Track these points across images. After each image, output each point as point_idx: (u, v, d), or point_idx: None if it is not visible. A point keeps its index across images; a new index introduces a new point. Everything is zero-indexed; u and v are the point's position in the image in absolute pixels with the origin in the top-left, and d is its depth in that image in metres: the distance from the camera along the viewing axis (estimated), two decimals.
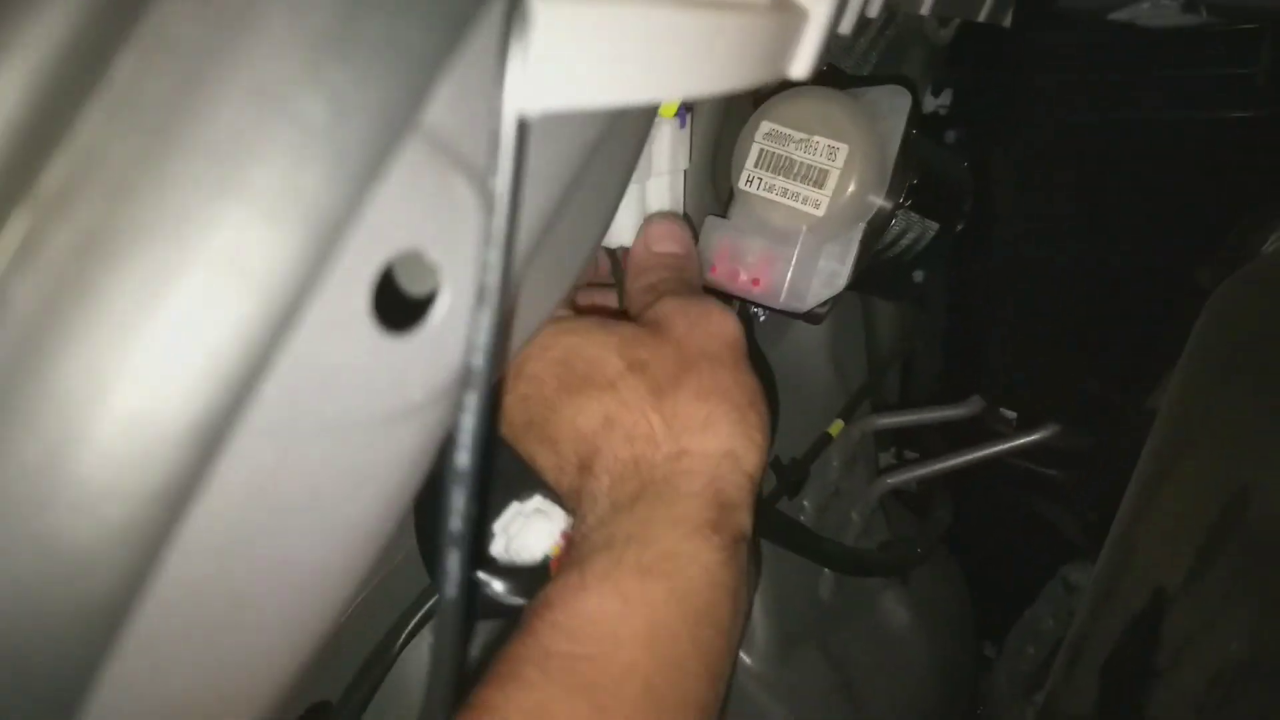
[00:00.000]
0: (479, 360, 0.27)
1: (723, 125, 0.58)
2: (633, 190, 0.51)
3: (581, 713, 0.36)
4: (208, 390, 0.24)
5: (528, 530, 0.44)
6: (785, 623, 0.69)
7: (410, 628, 0.54)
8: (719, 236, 0.56)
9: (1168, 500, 0.45)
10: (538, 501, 0.46)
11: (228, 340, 0.24)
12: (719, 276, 0.57)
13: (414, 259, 0.27)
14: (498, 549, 0.46)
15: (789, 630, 0.69)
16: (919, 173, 0.56)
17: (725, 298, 0.59)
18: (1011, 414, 0.84)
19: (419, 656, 0.55)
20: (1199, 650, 0.39)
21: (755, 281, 0.56)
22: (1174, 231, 0.62)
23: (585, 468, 0.42)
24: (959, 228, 0.64)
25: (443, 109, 0.26)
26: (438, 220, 0.27)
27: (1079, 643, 0.51)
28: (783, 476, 0.69)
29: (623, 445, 0.42)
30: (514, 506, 0.46)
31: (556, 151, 0.32)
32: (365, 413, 0.28)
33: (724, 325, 0.46)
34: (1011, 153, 0.68)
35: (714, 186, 0.59)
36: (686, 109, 0.52)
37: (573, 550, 0.41)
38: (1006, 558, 1.03)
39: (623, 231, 0.53)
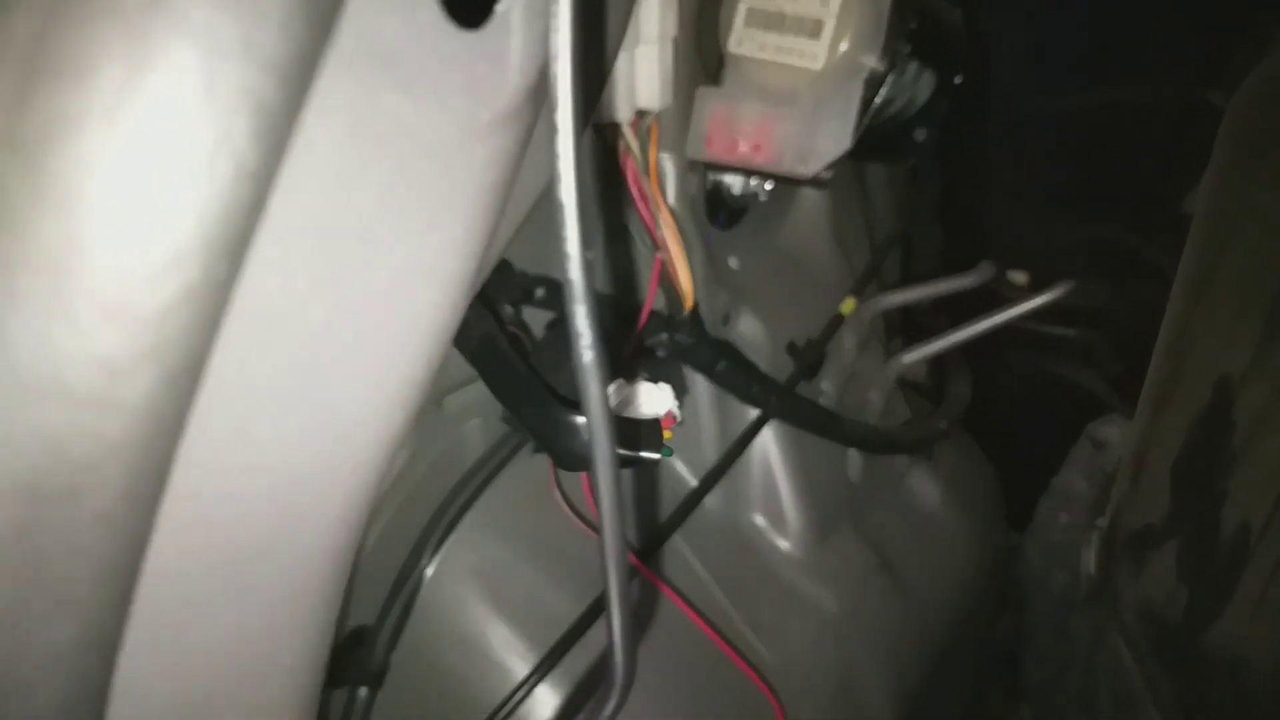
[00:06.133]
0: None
1: None
2: (621, 59, 0.48)
3: None
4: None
5: (643, 391, 0.42)
6: (818, 507, 0.67)
7: (434, 542, 0.53)
8: (712, 106, 0.54)
9: (1221, 290, 0.43)
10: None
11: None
12: (716, 149, 0.54)
13: None
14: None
15: (823, 515, 0.68)
16: (916, 16, 0.53)
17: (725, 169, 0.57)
18: (1023, 277, 0.82)
19: (450, 572, 0.54)
20: (1276, 421, 0.37)
21: (756, 148, 0.53)
22: (1181, 58, 0.60)
23: None
24: (957, 80, 0.62)
25: None
26: None
27: (1140, 454, 0.50)
28: (799, 358, 0.67)
29: None
30: (620, 381, 0.44)
31: None
32: (435, 115, 0.26)
33: None
34: None
35: (701, 57, 0.57)
36: None
37: None
38: (1028, 433, 1.01)
39: (616, 105, 0.50)
